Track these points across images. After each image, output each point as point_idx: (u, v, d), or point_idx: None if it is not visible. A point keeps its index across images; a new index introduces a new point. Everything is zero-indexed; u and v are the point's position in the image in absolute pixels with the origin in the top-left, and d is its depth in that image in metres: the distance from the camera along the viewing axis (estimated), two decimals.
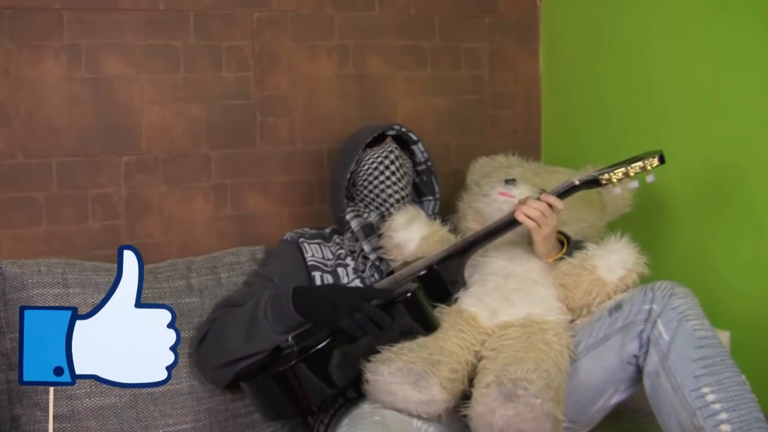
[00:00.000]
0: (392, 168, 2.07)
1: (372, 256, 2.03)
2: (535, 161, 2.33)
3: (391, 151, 2.08)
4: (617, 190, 1.89)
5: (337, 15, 2.35)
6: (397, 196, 2.07)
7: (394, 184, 2.07)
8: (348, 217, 2.06)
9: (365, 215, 2.08)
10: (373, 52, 2.40)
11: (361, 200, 2.11)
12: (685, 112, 2.23)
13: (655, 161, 1.86)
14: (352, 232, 2.05)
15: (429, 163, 2.17)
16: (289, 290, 1.77)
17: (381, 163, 2.07)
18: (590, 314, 1.82)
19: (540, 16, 2.63)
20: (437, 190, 2.17)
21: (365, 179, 2.08)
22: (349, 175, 2.09)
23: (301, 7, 2.30)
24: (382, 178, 2.06)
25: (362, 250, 2.04)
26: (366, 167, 2.08)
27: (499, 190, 1.98)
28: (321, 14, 2.33)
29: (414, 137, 2.15)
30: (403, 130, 2.13)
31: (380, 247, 2.02)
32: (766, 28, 2.05)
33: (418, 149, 2.17)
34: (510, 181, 1.98)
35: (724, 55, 2.13)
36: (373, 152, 2.08)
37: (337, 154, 2.16)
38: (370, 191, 2.08)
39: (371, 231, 2.04)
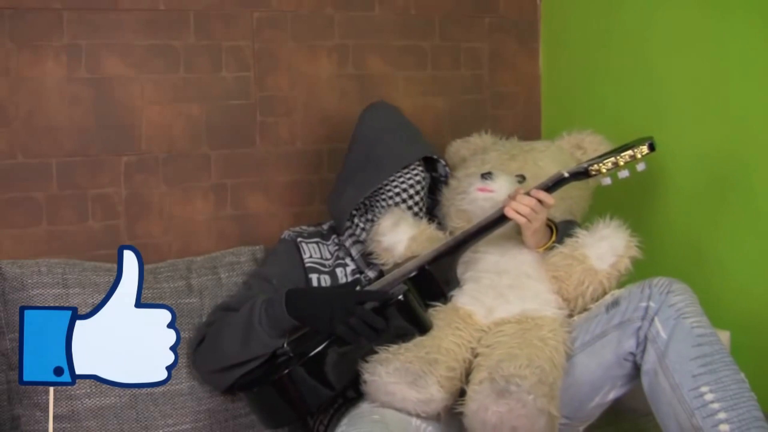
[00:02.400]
0: (416, 198, 2.03)
1: (375, 277, 2.02)
2: (508, 139, 2.29)
3: (418, 182, 2.03)
4: (607, 180, 1.86)
5: (337, 15, 2.35)
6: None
7: (416, 213, 2.03)
8: (347, 243, 2.04)
9: (363, 236, 2.04)
10: (373, 52, 2.40)
11: (372, 210, 2.06)
12: (685, 111, 2.23)
13: (645, 149, 1.83)
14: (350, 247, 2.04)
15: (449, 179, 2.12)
16: (283, 294, 1.77)
17: (405, 191, 2.02)
18: (585, 305, 1.82)
19: (540, 16, 2.63)
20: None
21: (386, 201, 2.03)
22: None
23: (301, 7, 2.30)
24: (404, 206, 2.02)
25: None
26: (389, 189, 2.02)
27: (477, 186, 1.94)
28: (321, 14, 2.33)
29: (443, 162, 2.08)
30: (435, 157, 2.07)
31: (371, 253, 2.01)
32: (766, 27, 2.05)
33: (443, 170, 2.11)
34: (486, 175, 1.95)
35: (724, 54, 2.13)
36: (399, 176, 2.01)
37: (350, 160, 2.07)
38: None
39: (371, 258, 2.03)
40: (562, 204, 1.96)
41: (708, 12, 2.16)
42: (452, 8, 2.50)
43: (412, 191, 2.02)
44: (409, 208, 2.02)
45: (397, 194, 2.02)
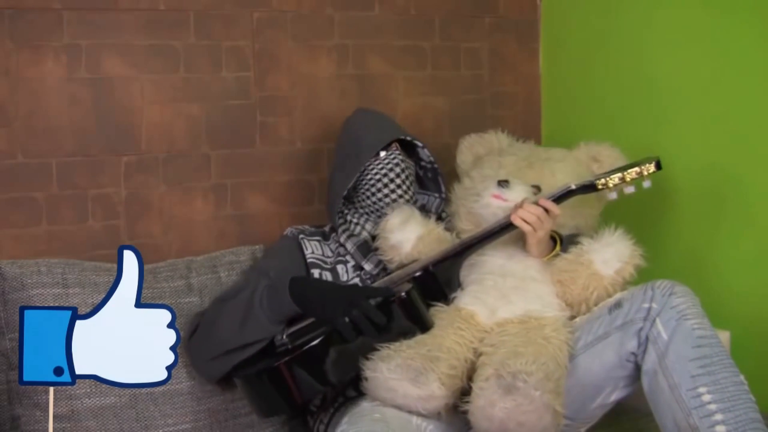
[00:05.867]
0: (397, 181, 2.03)
1: (374, 272, 2.02)
2: (524, 142, 2.28)
3: (397, 164, 2.03)
4: (613, 195, 1.92)
5: (337, 15, 2.35)
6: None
7: (400, 197, 2.03)
8: (342, 239, 2.04)
9: (358, 230, 2.06)
10: (373, 52, 2.40)
11: (361, 206, 2.08)
12: (685, 112, 2.23)
13: (652, 167, 1.89)
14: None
15: (435, 165, 2.12)
16: (287, 279, 1.77)
17: (385, 175, 2.02)
18: (589, 310, 1.83)
19: (540, 16, 2.63)
20: (443, 189, 2.13)
21: (368, 189, 2.04)
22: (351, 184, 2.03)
23: (301, 7, 2.30)
24: (386, 191, 2.03)
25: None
26: (370, 177, 2.03)
27: (492, 193, 1.95)
28: (321, 14, 2.33)
29: (420, 143, 2.09)
30: (409, 138, 2.07)
31: (379, 260, 2.01)
32: (765, 28, 2.05)
33: (424, 153, 2.12)
34: (503, 183, 1.96)
35: (724, 55, 2.13)
36: (377, 162, 2.02)
37: (337, 155, 2.12)
38: (374, 202, 2.05)
39: (367, 249, 2.03)
40: (571, 222, 1.99)
41: (708, 11, 2.16)
42: (452, 8, 2.50)
43: (392, 174, 2.02)
44: (392, 191, 2.02)
45: (378, 180, 2.03)
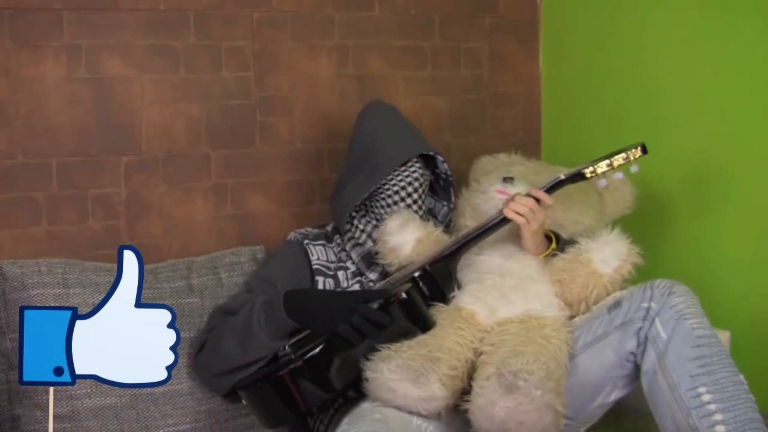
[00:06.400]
0: (414, 196, 2.01)
1: (377, 280, 2.01)
2: (537, 160, 2.32)
3: (416, 179, 2.01)
4: (603, 182, 1.92)
5: (337, 15, 2.35)
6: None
7: (415, 212, 2.02)
8: (348, 247, 2.03)
9: (363, 238, 2.04)
10: (373, 52, 2.40)
11: (371, 210, 2.06)
12: (684, 112, 2.23)
13: (638, 152, 1.89)
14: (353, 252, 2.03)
15: (450, 179, 2.10)
16: (281, 295, 1.76)
17: (403, 189, 2.00)
18: (589, 309, 1.83)
19: (540, 16, 2.63)
20: (453, 200, 2.12)
21: (383, 200, 2.02)
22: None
23: (301, 7, 2.30)
24: (402, 205, 2.01)
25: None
26: (387, 188, 2.00)
27: (496, 188, 1.99)
28: (321, 14, 2.33)
29: (441, 158, 2.06)
30: (431, 153, 2.05)
31: (383, 269, 2.01)
32: (764, 28, 2.05)
33: (442, 166, 2.09)
34: (508, 180, 1.99)
35: (724, 55, 2.13)
36: (396, 173, 2.00)
37: (352, 155, 2.05)
38: (386, 212, 2.02)
39: (371, 260, 2.02)
40: (572, 228, 2.01)
41: (707, 12, 2.16)
42: (452, 8, 2.50)
43: (410, 189, 2.02)
44: (408, 206, 2.02)
45: (396, 192, 2.02)
